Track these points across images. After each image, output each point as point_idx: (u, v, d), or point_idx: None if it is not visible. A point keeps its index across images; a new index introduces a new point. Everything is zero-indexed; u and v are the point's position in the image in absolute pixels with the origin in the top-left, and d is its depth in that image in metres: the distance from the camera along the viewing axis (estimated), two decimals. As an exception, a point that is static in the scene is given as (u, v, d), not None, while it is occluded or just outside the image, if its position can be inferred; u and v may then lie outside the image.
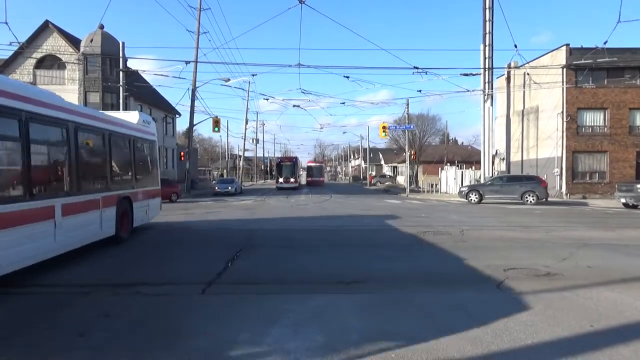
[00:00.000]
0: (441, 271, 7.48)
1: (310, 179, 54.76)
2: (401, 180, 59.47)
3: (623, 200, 20.75)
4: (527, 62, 29.13)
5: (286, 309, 5.18)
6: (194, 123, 35.90)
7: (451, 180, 35.36)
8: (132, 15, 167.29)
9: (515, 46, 35.24)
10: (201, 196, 30.98)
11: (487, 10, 29.75)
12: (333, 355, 3.91)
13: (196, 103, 34.68)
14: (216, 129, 34.13)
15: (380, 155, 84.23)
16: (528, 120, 31.62)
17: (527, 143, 31.71)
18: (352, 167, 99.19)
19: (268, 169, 79.60)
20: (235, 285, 6.52)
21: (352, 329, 4.54)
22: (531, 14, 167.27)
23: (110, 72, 29.01)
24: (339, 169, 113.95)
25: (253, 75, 68.57)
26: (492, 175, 27.39)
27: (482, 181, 27.54)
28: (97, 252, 8.84)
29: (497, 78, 34.98)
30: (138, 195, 11.11)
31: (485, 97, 30.90)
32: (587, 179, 27.75)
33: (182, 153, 36.41)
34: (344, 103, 66.69)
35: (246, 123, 57.05)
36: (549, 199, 23.60)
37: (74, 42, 30.68)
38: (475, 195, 23.86)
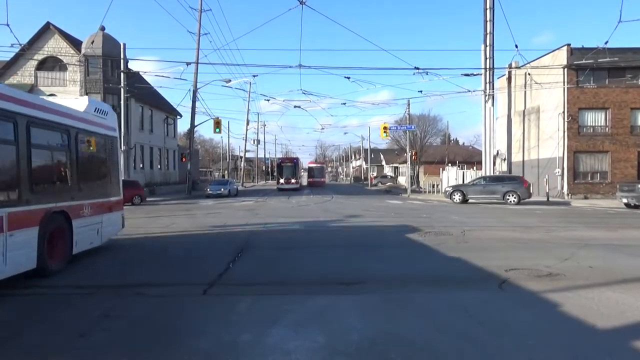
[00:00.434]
0: (442, 271, 7.47)
1: (311, 179, 54.82)
2: (402, 180, 59.44)
3: (625, 201, 20.73)
4: (528, 62, 29.12)
5: (287, 310, 5.18)
6: (195, 124, 36.00)
7: (452, 180, 35.27)
8: (133, 17, 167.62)
9: (516, 46, 35.20)
10: (199, 197, 30.99)
11: (488, 11, 29.76)
12: (334, 356, 3.90)
13: (197, 104, 34.81)
14: (217, 130, 34.23)
15: (382, 156, 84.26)
16: (529, 120, 31.59)
17: (528, 143, 31.67)
18: (353, 167, 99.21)
19: (269, 169, 79.60)
20: (236, 286, 6.53)
21: (352, 330, 4.54)
22: (532, 14, 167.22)
23: (111, 73, 29.06)
24: (340, 169, 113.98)
25: (254, 76, 68.80)
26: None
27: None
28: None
29: (498, 78, 34.96)
30: (82, 209, 8.23)
31: (486, 97, 30.89)
32: (589, 179, 27.70)
33: (183, 154, 36.57)
34: (345, 104, 66.69)
35: (247, 124, 57.23)
36: (529, 199, 23.92)
37: (75, 43, 30.75)
38: (458, 195, 24.37)
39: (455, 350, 4.03)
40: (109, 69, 29.06)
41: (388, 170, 78.40)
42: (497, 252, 9.00)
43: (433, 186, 35.78)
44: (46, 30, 30.06)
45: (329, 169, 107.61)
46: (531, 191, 24.18)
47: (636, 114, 27.59)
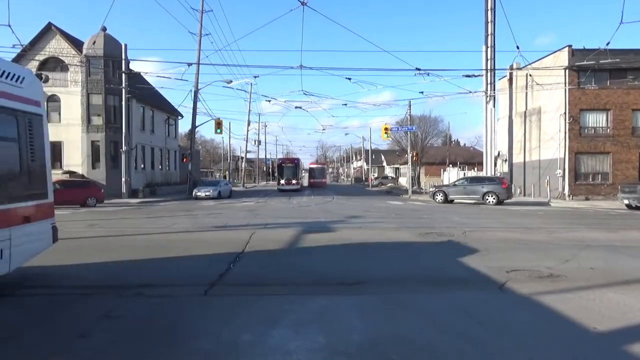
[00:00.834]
0: (443, 272, 7.46)
1: (312, 180, 54.85)
2: (403, 181, 59.43)
3: (626, 202, 20.71)
4: (530, 64, 29.09)
5: (288, 310, 5.18)
6: (196, 125, 36.02)
7: (453, 181, 35.30)
8: (135, 18, 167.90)
9: (518, 47, 35.43)
10: (201, 198, 30.88)
11: (489, 12, 29.79)
12: (334, 356, 3.90)
13: (198, 105, 34.83)
14: (218, 130, 34.27)
15: (383, 157, 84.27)
16: (530, 121, 31.56)
17: (529, 144, 31.64)
18: (354, 168, 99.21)
19: (270, 170, 79.66)
20: (236, 286, 6.52)
21: (353, 330, 4.53)
22: (533, 15, 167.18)
23: (112, 74, 29.10)
24: (341, 170, 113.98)
25: (255, 76, 68.97)
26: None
27: None
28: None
29: (500, 79, 34.96)
30: None
31: (488, 98, 30.90)
32: (590, 180, 27.66)
33: (184, 155, 36.58)
34: (346, 104, 66.81)
35: (248, 124, 57.24)
36: (510, 199, 24.60)
37: (77, 44, 30.79)
38: (440, 195, 25.35)
39: (456, 350, 4.03)
40: (110, 69, 29.11)
41: (389, 171, 78.40)
42: (498, 253, 8.99)
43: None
44: (48, 31, 30.09)
45: (330, 170, 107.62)
46: (512, 191, 24.89)
47: (637, 115, 27.53)
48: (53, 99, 30.24)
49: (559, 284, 6.48)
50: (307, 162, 77.74)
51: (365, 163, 79.13)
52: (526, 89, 31.47)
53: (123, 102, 28.28)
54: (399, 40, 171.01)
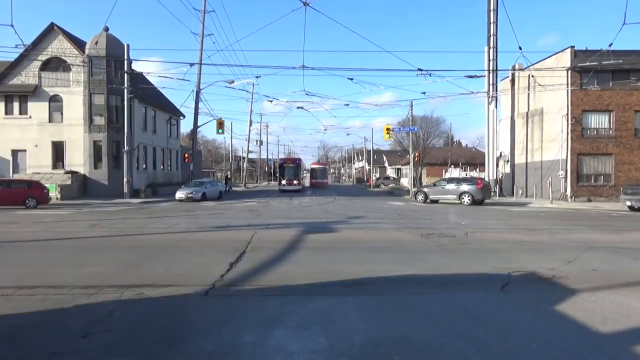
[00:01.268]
0: (445, 273, 7.44)
1: (314, 180, 54.88)
2: (405, 182, 59.36)
3: (629, 203, 20.66)
4: (532, 64, 29.03)
5: (289, 311, 5.17)
6: (198, 125, 36.08)
7: (455, 182, 35.26)
8: (137, 18, 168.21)
9: (520, 48, 35.46)
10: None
11: (492, 12, 29.79)
12: (336, 357, 3.89)
13: (200, 105, 34.91)
14: (220, 130, 34.27)
15: (384, 157, 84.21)
16: (532, 122, 31.51)
17: (531, 145, 31.59)
18: (355, 168, 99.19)
19: (272, 170, 79.71)
20: (237, 287, 6.52)
21: (355, 331, 4.53)
22: (536, 16, 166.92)
23: (115, 74, 29.15)
24: (342, 170, 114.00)
25: (257, 77, 69.02)
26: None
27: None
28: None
29: (502, 80, 34.91)
30: None
31: (490, 99, 30.88)
32: (592, 181, 27.59)
33: (186, 155, 36.60)
34: (348, 105, 66.88)
35: (250, 125, 57.27)
36: (489, 199, 25.53)
37: (79, 44, 30.86)
38: (421, 195, 26.57)
39: (457, 351, 4.02)
40: (112, 69, 29.16)
41: (391, 172, 78.37)
42: (501, 254, 8.97)
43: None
44: (50, 31, 30.17)
45: (332, 170, 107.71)
46: (491, 192, 26.13)
47: (640, 117, 27.48)
48: (55, 99, 30.33)
49: (561, 285, 6.46)
50: (308, 162, 77.87)
51: (367, 163, 79.11)
52: (528, 90, 31.42)
53: (125, 102, 28.32)
54: (401, 41, 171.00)
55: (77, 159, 29.81)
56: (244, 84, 47.60)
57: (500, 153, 34.53)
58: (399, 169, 73.66)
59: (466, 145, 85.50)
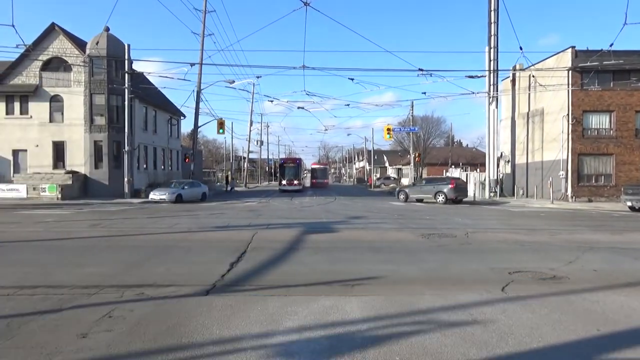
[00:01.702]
0: (446, 273, 7.44)
1: (314, 180, 54.90)
2: (405, 182, 59.34)
3: (629, 204, 20.65)
4: (533, 65, 29.01)
5: (290, 311, 5.17)
6: (199, 125, 36.05)
7: (456, 182, 35.26)
8: (138, 18, 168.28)
9: (521, 48, 35.43)
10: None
11: (493, 12, 29.77)
12: (337, 358, 3.89)
13: (201, 105, 34.84)
14: (221, 130, 34.26)
15: (385, 157, 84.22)
16: (533, 122, 31.49)
17: (532, 145, 31.57)
18: (356, 169, 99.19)
19: (272, 170, 79.70)
20: (238, 287, 6.52)
21: (356, 331, 4.52)
22: (537, 16, 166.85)
23: (115, 74, 29.15)
24: (343, 170, 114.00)
25: (258, 77, 68.93)
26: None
27: (485, 183, 31.74)
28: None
29: (502, 80, 34.89)
30: None
31: (490, 99, 30.87)
32: (593, 181, 27.57)
33: (186, 156, 36.61)
34: (348, 105, 66.88)
35: (251, 125, 57.28)
36: (462, 198, 26.55)
37: (80, 44, 30.86)
38: (402, 195, 28.18)
39: (459, 352, 4.01)
40: (113, 69, 29.15)
41: (391, 172, 78.38)
42: (501, 254, 8.97)
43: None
44: (51, 31, 30.17)
45: (332, 170, 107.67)
46: (465, 191, 27.30)
47: (641, 117, 27.45)
48: (56, 99, 30.34)
49: (563, 286, 6.46)
50: (309, 162, 77.89)
51: (367, 164, 79.10)
52: (529, 90, 31.39)
53: (126, 102, 28.33)
54: (402, 41, 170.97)
55: (78, 159, 29.81)
56: (245, 84, 47.71)
57: (501, 153, 34.52)
58: (400, 169, 73.65)
59: (467, 145, 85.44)
